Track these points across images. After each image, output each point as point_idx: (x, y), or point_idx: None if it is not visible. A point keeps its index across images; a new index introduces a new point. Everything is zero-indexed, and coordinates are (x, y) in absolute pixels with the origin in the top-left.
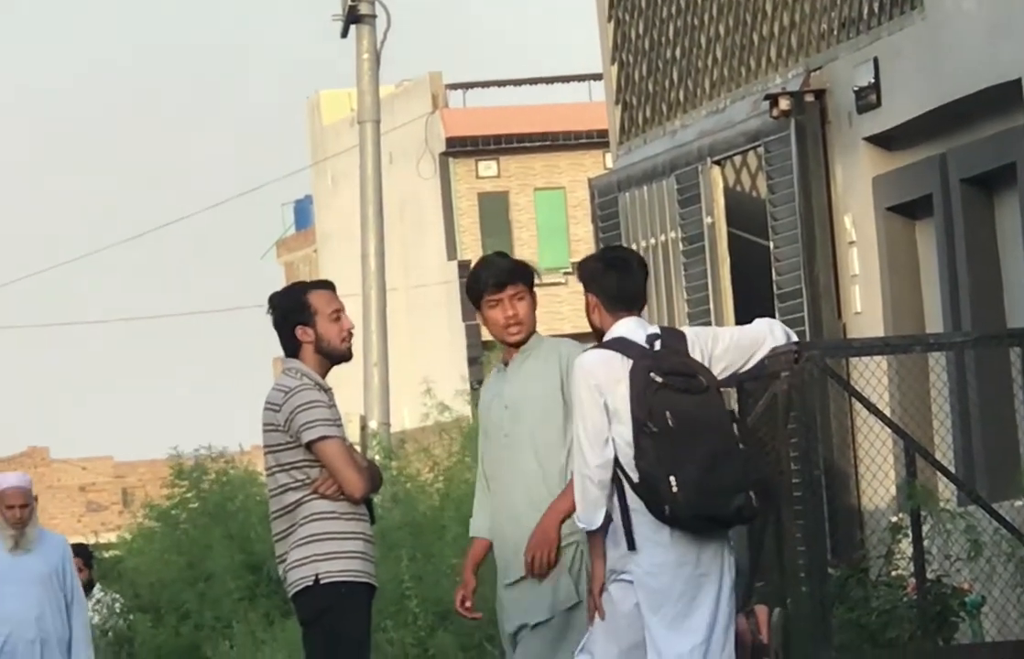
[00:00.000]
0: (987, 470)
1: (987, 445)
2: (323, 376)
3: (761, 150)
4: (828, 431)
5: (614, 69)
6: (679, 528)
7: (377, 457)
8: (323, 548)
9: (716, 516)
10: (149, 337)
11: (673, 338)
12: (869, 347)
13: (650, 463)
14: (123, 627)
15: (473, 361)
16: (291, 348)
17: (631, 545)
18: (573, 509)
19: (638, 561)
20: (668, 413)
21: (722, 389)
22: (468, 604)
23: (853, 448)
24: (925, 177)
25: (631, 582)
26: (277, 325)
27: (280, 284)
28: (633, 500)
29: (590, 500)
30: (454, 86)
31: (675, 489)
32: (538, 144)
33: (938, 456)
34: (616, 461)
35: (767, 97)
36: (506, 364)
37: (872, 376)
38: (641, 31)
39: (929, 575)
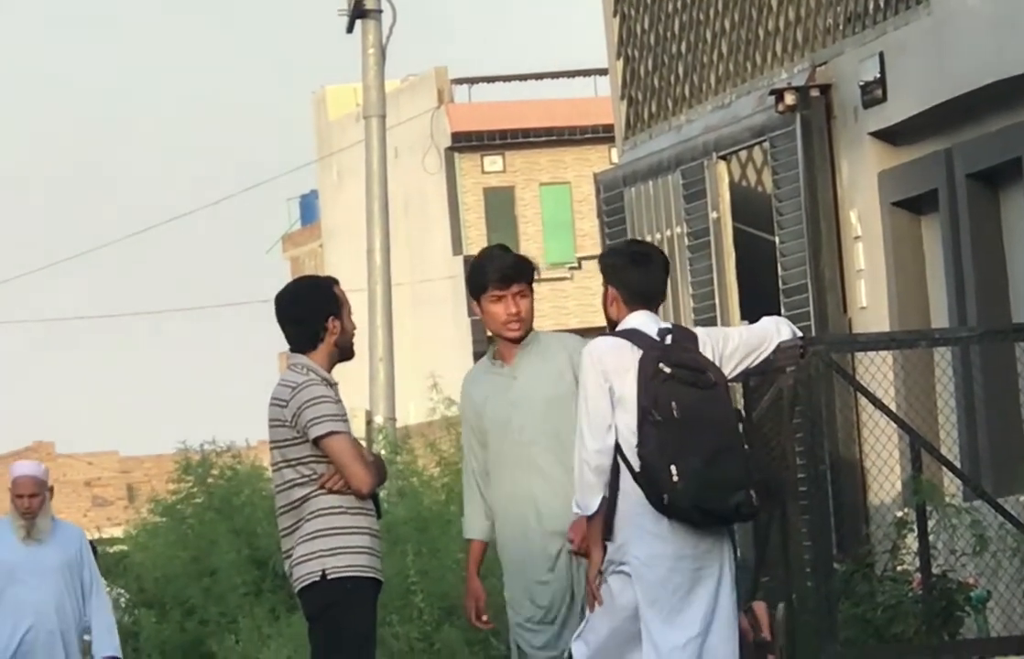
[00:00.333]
0: (992, 465)
1: (992, 440)
2: (329, 371)
3: (766, 145)
4: (834, 426)
5: (619, 64)
6: (677, 519)
7: (383, 452)
8: (329, 543)
9: (715, 510)
10: (155, 332)
11: (685, 336)
12: (875, 342)
13: (651, 451)
14: (128, 622)
15: (479, 356)
16: (307, 341)
17: (632, 533)
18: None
19: (636, 552)
20: (673, 403)
21: (730, 385)
22: (485, 618)
23: (858, 443)
24: (931, 172)
25: (630, 575)
26: (302, 317)
27: (286, 279)
28: (634, 491)
29: (586, 485)
30: (459, 81)
31: (675, 478)
32: (544, 139)
33: (943, 451)
34: (618, 449)
35: (772, 92)
36: (500, 360)
37: (878, 371)
38: (647, 26)
39: (935, 570)
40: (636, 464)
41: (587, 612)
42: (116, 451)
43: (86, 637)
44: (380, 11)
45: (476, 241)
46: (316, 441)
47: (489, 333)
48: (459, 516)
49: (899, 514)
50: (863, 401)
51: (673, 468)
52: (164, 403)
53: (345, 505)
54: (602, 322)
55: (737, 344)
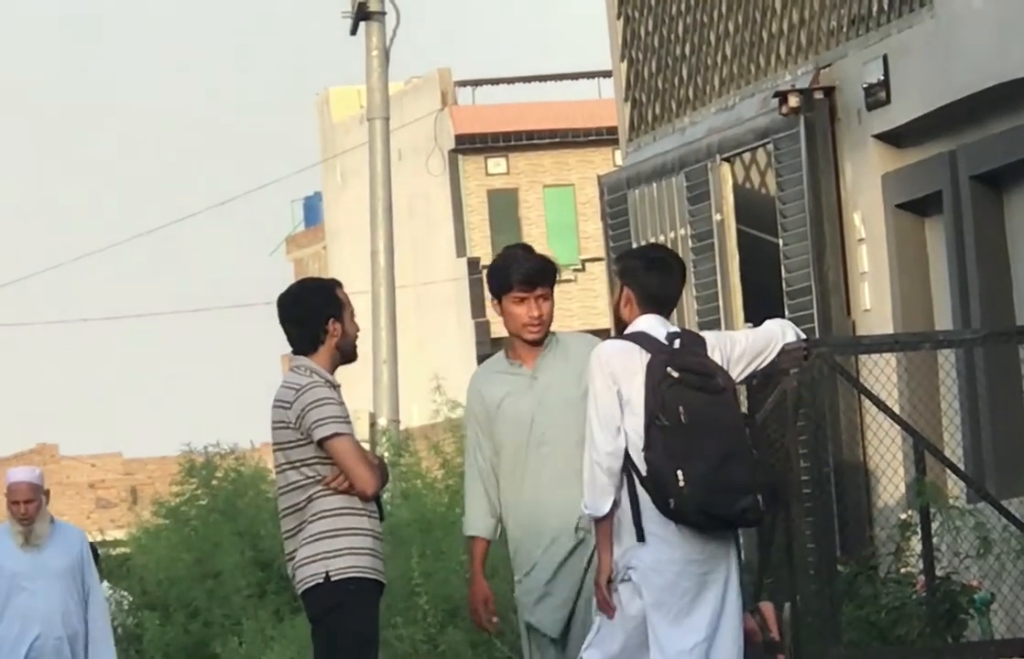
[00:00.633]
0: (996, 467)
1: (996, 442)
2: (332, 373)
3: (770, 147)
4: (837, 428)
5: (623, 66)
6: (683, 523)
7: (386, 454)
8: (332, 545)
9: (721, 515)
10: (158, 334)
11: (693, 340)
12: (878, 344)
13: (658, 456)
14: (131, 624)
15: (483, 358)
16: (309, 343)
17: (640, 536)
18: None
19: (643, 556)
20: (681, 408)
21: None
22: (496, 619)
23: (862, 445)
24: (934, 174)
25: (637, 581)
26: (304, 319)
27: (289, 281)
28: (641, 495)
29: (598, 487)
30: (463, 83)
31: (682, 483)
32: (547, 141)
33: (947, 453)
34: (626, 453)
35: (776, 94)
36: (518, 361)
37: (881, 373)
38: (650, 28)
39: (938, 572)
40: (643, 468)
41: (596, 618)
42: (120, 453)
43: None
44: (384, 13)
45: (480, 243)
46: (320, 442)
47: (504, 334)
48: (463, 519)
49: (903, 516)
50: (867, 403)
51: (680, 473)
52: (168, 405)
53: (348, 507)
54: (605, 324)
55: (744, 348)
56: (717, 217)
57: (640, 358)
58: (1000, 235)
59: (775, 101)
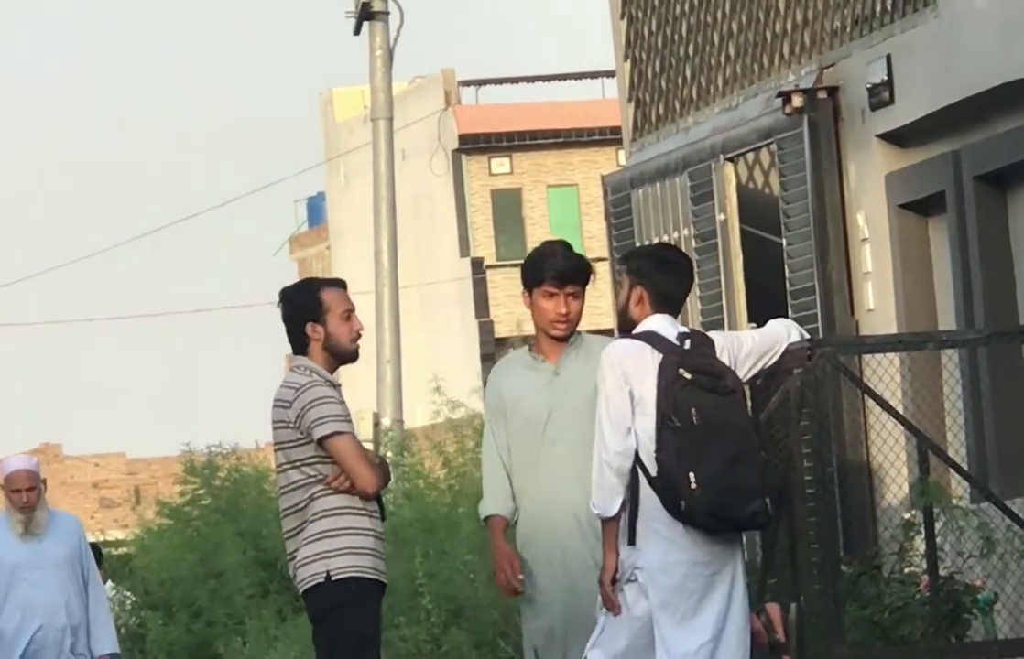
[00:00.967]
0: (1000, 467)
1: (1000, 442)
2: (331, 373)
3: (774, 147)
4: (841, 428)
5: (627, 66)
6: (693, 525)
7: (389, 454)
8: (333, 544)
9: (731, 517)
10: (162, 334)
11: (702, 341)
12: (882, 344)
13: (670, 457)
14: (134, 624)
15: (486, 358)
16: (299, 344)
17: (632, 539)
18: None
19: (650, 557)
20: (693, 410)
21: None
22: (521, 577)
23: (866, 445)
24: (938, 174)
25: (643, 583)
26: (287, 320)
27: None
28: (649, 495)
29: (607, 486)
30: (467, 83)
31: (693, 485)
32: (551, 141)
33: (951, 453)
34: (635, 453)
35: (780, 94)
36: (542, 356)
37: (885, 373)
38: (654, 28)
39: (942, 572)
40: (653, 469)
41: (600, 618)
42: (123, 453)
43: None
44: (387, 13)
45: (483, 243)
46: (321, 441)
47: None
48: (466, 519)
49: (906, 516)
50: (870, 403)
51: (691, 475)
52: (172, 405)
53: (350, 506)
54: (608, 323)
55: (751, 348)
56: (721, 217)
57: (652, 358)
58: (1004, 235)
59: (779, 101)
